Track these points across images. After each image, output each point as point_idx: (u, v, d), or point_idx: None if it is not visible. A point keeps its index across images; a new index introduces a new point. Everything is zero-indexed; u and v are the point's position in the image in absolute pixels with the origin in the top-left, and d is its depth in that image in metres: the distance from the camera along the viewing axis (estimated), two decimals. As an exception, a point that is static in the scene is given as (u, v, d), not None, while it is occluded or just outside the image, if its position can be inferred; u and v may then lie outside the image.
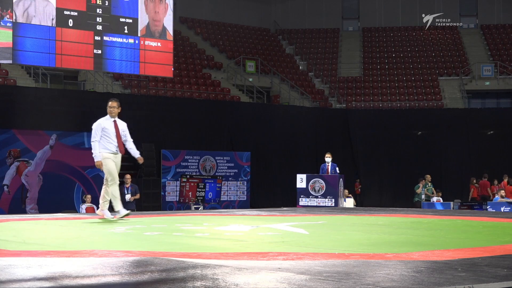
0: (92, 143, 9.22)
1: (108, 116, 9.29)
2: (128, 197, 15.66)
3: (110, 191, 9.12)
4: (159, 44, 19.27)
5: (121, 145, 9.21)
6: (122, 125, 9.36)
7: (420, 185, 20.85)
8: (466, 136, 24.95)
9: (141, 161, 9.50)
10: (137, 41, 18.77)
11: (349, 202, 18.98)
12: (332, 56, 31.81)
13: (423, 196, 20.67)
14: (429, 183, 21.29)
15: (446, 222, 9.17)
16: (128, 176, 16.14)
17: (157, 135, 19.92)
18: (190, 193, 20.02)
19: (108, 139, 9.16)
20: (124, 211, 9.23)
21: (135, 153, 9.43)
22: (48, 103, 18.80)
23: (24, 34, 17.07)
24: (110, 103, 9.32)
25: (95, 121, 9.10)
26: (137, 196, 15.86)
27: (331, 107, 27.43)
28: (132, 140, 9.44)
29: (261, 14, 33.72)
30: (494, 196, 21.10)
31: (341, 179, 16.78)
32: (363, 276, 3.90)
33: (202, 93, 24.13)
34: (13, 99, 18.45)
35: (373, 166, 25.17)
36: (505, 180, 21.76)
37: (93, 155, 9.21)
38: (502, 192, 19.70)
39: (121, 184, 16.28)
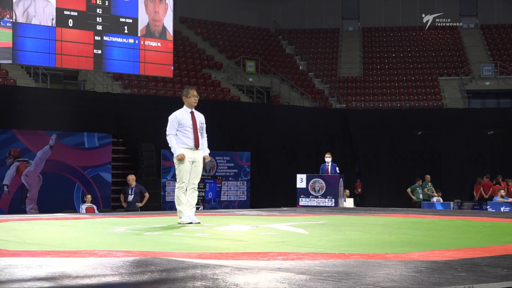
0: (167, 137, 8.26)
1: (185, 107, 8.37)
2: (131, 197, 15.65)
3: (176, 193, 8.19)
4: (159, 44, 19.28)
5: (197, 139, 8.23)
6: (200, 117, 8.42)
7: (417, 184, 20.85)
8: (466, 136, 24.94)
9: (207, 159, 8.40)
10: (137, 41, 18.78)
11: (349, 202, 18.99)
12: (332, 56, 31.81)
13: (420, 196, 20.66)
14: (429, 183, 21.28)
15: (446, 222, 9.17)
16: (131, 177, 16.06)
17: (157, 135, 19.86)
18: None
19: (184, 133, 8.23)
20: (186, 219, 8.13)
21: (205, 151, 8.42)
22: (48, 103, 18.80)
23: (24, 34, 17.08)
24: (191, 91, 8.38)
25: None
26: (145, 198, 15.76)
27: (331, 107, 27.43)
28: (206, 136, 8.47)
29: (261, 14, 33.73)
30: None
31: (341, 179, 16.79)
32: (363, 276, 3.90)
33: (202, 93, 24.12)
34: (13, 99, 18.44)
35: (373, 166, 25.17)
36: (493, 180, 21.95)
37: (171, 150, 8.24)
38: (502, 192, 19.72)
39: (126, 185, 16.29)
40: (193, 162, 8.28)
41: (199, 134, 8.32)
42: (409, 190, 20.78)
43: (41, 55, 17.44)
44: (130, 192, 15.67)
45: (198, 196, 20.59)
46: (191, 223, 8.05)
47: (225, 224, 8.28)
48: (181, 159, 8.13)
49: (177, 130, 8.26)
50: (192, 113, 8.38)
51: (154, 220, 9.23)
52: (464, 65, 30.28)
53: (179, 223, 8.08)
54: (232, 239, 6.49)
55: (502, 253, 5.20)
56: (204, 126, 8.48)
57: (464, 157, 24.88)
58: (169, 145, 8.33)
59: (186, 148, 8.24)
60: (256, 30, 32.77)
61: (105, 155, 19.05)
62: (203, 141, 8.42)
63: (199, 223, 8.09)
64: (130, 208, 15.38)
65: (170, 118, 8.36)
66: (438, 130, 24.93)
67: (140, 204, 15.58)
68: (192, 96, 8.38)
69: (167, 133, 8.32)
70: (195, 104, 8.40)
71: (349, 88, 29.36)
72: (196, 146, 8.27)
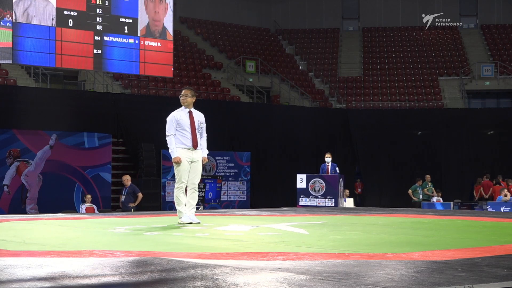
0: (167, 138, 8.23)
1: (183, 107, 8.31)
2: (123, 198, 15.54)
3: (175, 194, 8.21)
4: (159, 44, 19.27)
5: (195, 140, 8.18)
6: (199, 117, 8.35)
7: (417, 184, 20.83)
8: (466, 136, 24.94)
9: (205, 161, 8.40)
10: (137, 41, 18.78)
11: (349, 202, 18.98)
12: (332, 56, 31.81)
13: (420, 196, 20.65)
14: (429, 183, 21.26)
15: (446, 222, 9.17)
16: (125, 177, 15.96)
17: (157, 135, 19.85)
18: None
19: (182, 133, 8.17)
20: (186, 219, 8.11)
21: (203, 152, 8.37)
22: (48, 103, 18.80)
23: (24, 34, 17.07)
24: (182, 91, 8.34)
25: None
26: (138, 198, 15.51)
27: (331, 107, 27.43)
28: (206, 136, 8.40)
29: (261, 14, 33.72)
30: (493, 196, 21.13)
31: (341, 179, 16.79)
32: (363, 276, 3.90)
33: (202, 93, 24.13)
34: (13, 99, 18.44)
35: (373, 166, 25.17)
36: (493, 180, 21.96)
37: (169, 151, 8.23)
38: (506, 191, 19.70)
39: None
40: (191, 162, 8.25)
41: (197, 134, 8.26)
42: (410, 191, 20.77)
43: (41, 55, 17.44)
44: (123, 193, 15.60)
45: (198, 196, 20.56)
46: (191, 223, 8.05)
47: (225, 224, 8.27)
48: (177, 163, 8.13)
49: (176, 130, 8.22)
50: (190, 112, 8.31)
51: (154, 220, 9.23)
52: (464, 65, 30.28)
53: (179, 223, 8.08)
54: (232, 239, 6.49)
55: (502, 253, 5.20)
56: (204, 125, 8.41)
57: (464, 157, 24.88)
58: (168, 146, 8.29)
59: (184, 148, 8.20)
60: (256, 30, 32.77)
61: (105, 155, 19.05)
62: (202, 141, 8.36)
63: (199, 223, 8.09)
64: (123, 209, 15.28)
65: (168, 118, 8.33)
66: (438, 130, 24.93)
67: (133, 205, 15.33)
68: (180, 96, 8.38)
69: (166, 133, 8.29)
70: (184, 104, 8.31)
71: (349, 88, 29.36)
72: (195, 146, 8.22)
